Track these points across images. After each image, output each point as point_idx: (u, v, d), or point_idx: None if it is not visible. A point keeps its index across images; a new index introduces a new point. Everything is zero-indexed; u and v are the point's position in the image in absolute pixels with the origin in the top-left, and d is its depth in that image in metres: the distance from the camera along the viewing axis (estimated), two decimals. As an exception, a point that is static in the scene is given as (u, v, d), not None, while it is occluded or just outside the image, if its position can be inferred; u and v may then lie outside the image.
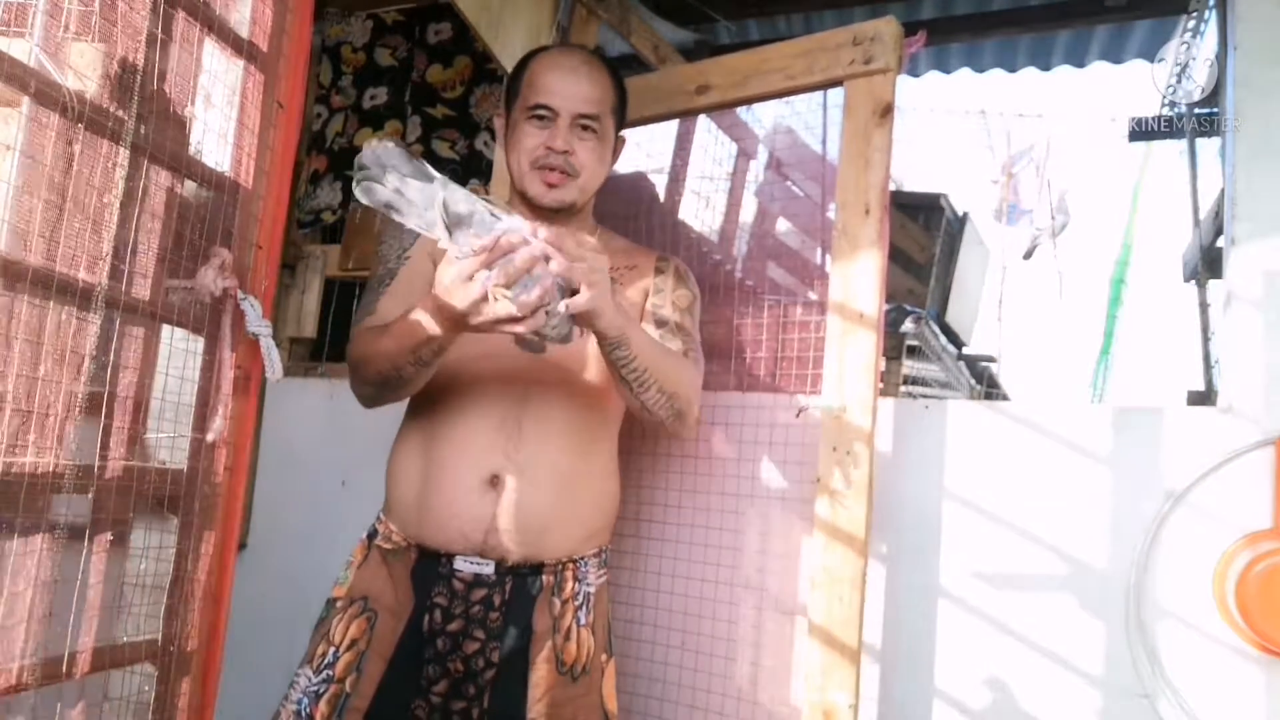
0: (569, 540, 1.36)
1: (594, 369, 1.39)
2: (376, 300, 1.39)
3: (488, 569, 1.31)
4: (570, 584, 1.36)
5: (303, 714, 1.29)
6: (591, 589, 1.39)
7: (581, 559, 1.38)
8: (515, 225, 1.06)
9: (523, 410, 1.34)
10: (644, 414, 1.34)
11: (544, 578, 1.34)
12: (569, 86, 1.39)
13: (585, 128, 1.40)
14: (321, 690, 1.30)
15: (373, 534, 1.41)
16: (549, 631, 1.33)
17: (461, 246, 1.05)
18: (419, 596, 1.32)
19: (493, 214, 1.06)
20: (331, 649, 1.32)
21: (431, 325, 1.16)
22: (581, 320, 1.14)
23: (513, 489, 1.30)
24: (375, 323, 1.34)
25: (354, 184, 1.06)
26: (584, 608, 1.37)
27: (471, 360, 1.34)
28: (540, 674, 1.31)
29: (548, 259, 1.06)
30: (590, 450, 1.39)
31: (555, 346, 1.25)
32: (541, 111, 1.39)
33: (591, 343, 1.37)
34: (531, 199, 1.41)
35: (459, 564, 1.31)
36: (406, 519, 1.36)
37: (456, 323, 1.13)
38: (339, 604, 1.36)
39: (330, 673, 1.31)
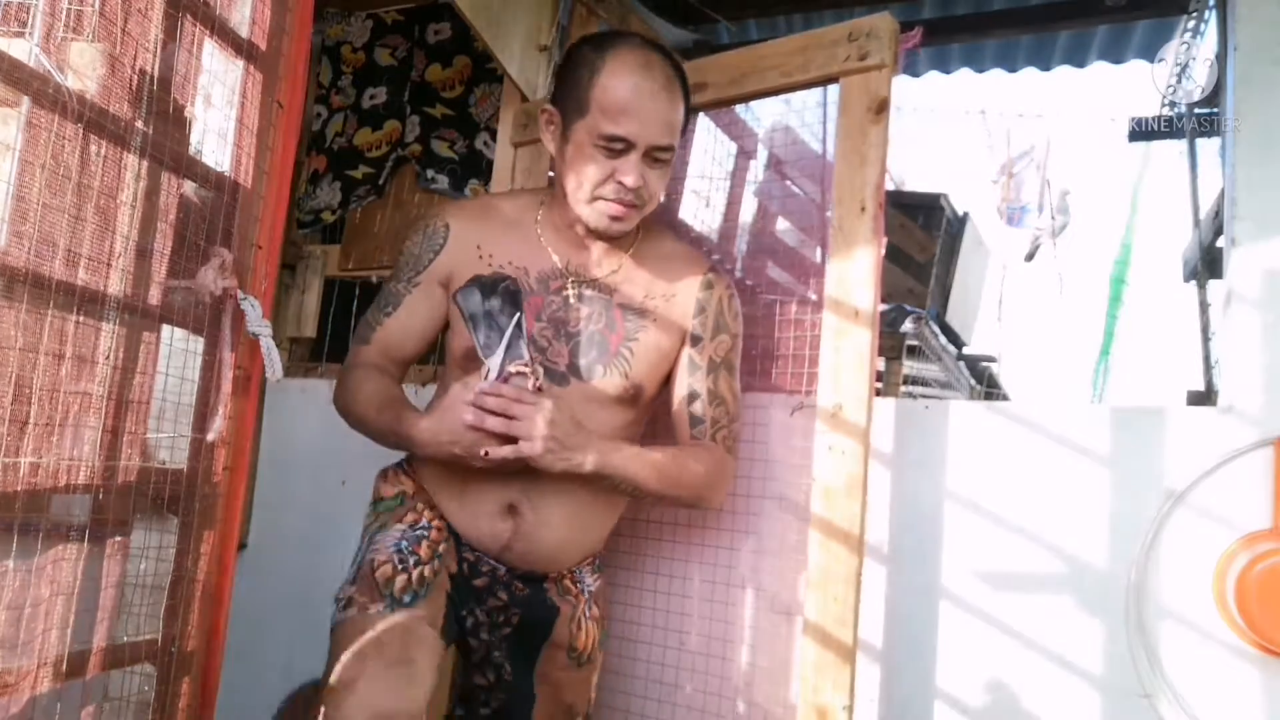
0: (570, 561, 1.43)
1: (621, 399, 1.38)
2: (375, 329, 1.41)
3: (500, 569, 1.38)
4: (571, 585, 1.43)
5: (404, 550, 1.31)
6: (592, 588, 1.46)
7: (576, 569, 1.44)
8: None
9: None
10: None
11: (546, 585, 1.42)
12: (650, 116, 1.26)
13: (659, 159, 1.30)
14: (421, 537, 1.33)
15: (407, 471, 1.43)
16: (570, 618, 1.40)
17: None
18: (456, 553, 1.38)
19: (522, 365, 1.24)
20: (423, 519, 1.35)
21: (418, 443, 1.28)
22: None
23: (527, 521, 1.33)
24: (368, 355, 1.40)
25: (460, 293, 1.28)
26: (590, 602, 1.44)
27: None
28: (553, 653, 1.40)
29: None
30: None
31: (589, 379, 1.36)
32: (615, 145, 1.27)
33: (613, 378, 1.36)
34: (591, 229, 1.34)
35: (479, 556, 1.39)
36: (444, 504, 1.39)
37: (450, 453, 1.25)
38: (403, 500, 1.39)
39: (425, 534, 1.34)
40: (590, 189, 1.29)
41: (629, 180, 1.27)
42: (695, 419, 1.40)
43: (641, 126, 1.26)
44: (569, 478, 1.28)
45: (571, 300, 1.37)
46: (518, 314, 1.24)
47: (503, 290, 1.25)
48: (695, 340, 1.41)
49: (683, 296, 1.41)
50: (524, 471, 1.27)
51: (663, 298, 1.41)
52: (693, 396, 1.40)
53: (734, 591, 1.64)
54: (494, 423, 1.19)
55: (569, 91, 1.31)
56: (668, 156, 1.31)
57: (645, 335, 1.38)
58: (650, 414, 1.49)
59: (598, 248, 1.39)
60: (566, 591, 1.42)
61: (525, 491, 1.32)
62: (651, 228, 1.47)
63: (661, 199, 1.38)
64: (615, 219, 1.31)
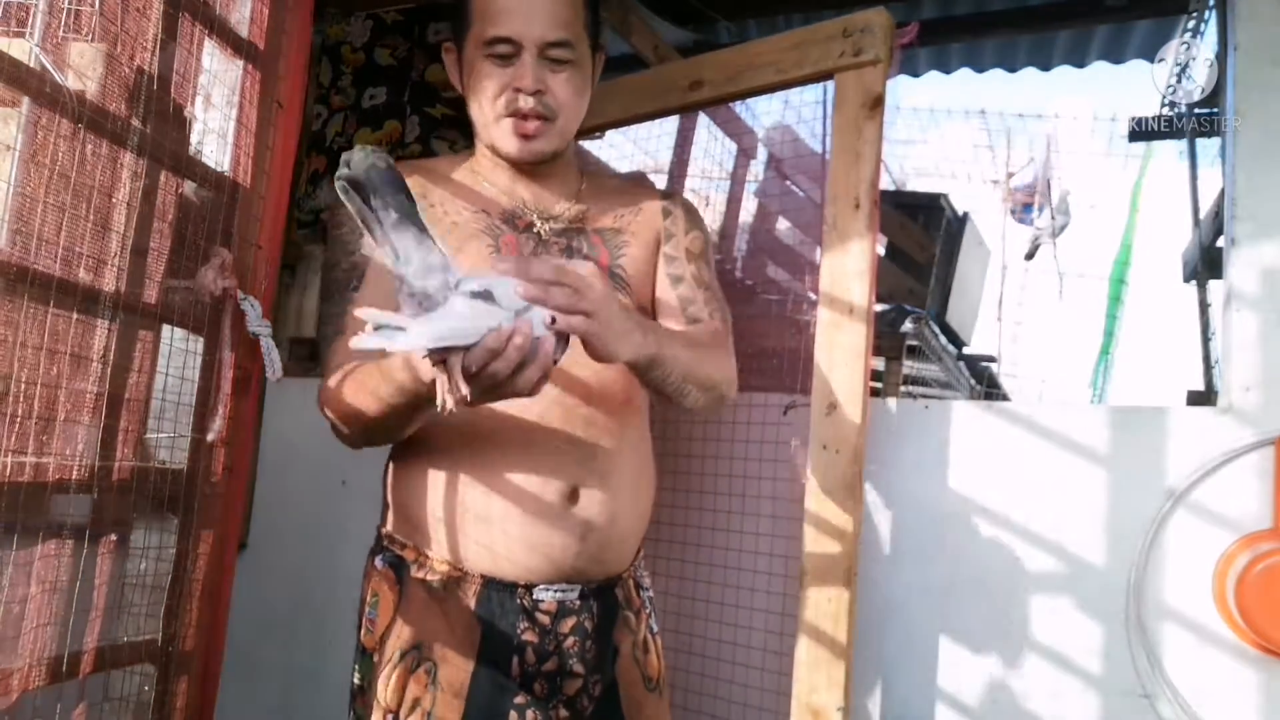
0: (635, 543, 1.24)
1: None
2: (348, 314, 1.15)
3: (572, 594, 1.15)
4: (634, 593, 1.25)
5: None
6: (651, 593, 1.30)
7: (636, 562, 1.27)
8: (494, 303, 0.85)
9: (594, 407, 1.15)
10: (681, 408, 1.20)
11: (617, 591, 1.21)
12: (531, 9, 1.16)
13: (558, 59, 1.18)
14: None
15: (396, 563, 1.16)
16: (631, 649, 1.22)
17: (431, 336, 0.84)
18: (493, 633, 1.13)
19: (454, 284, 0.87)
20: (389, 717, 1.10)
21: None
22: (597, 354, 0.97)
23: (595, 501, 1.14)
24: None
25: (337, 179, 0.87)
26: (652, 614, 1.28)
27: None
28: (630, 695, 1.21)
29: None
30: (644, 435, 1.26)
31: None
32: (501, 48, 1.16)
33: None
34: (505, 155, 1.22)
35: (540, 594, 1.13)
36: (464, 547, 1.14)
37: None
38: (375, 659, 1.14)
39: None
40: (492, 107, 1.18)
41: (525, 84, 1.16)
42: (685, 299, 1.28)
43: (525, 22, 1.15)
44: (625, 428, 1.17)
45: (544, 235, 1.24)
46: (403, 197, 0.87)
47: (370, 175, 0.85)
48: (669, 237, 1.32)
49: (648, 210, 1.33)
50: (575, 443, 1.13)
51: (631, 213, 1.31)
52: (677, 280, 1.29)
53: (729, 592, 1.64)
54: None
55: (458, 16, 1.22)
56: (568, 56, 1.17)
57: (630, 251, 1.28)
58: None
59: (545, 184, 1.27)
60: (630, 603, 1.23)
61: (586, 464, 1.14)
62: (592, 169, 1.39)
63: (580, 113, 1.23)
64: (526, 136, 1.19)
